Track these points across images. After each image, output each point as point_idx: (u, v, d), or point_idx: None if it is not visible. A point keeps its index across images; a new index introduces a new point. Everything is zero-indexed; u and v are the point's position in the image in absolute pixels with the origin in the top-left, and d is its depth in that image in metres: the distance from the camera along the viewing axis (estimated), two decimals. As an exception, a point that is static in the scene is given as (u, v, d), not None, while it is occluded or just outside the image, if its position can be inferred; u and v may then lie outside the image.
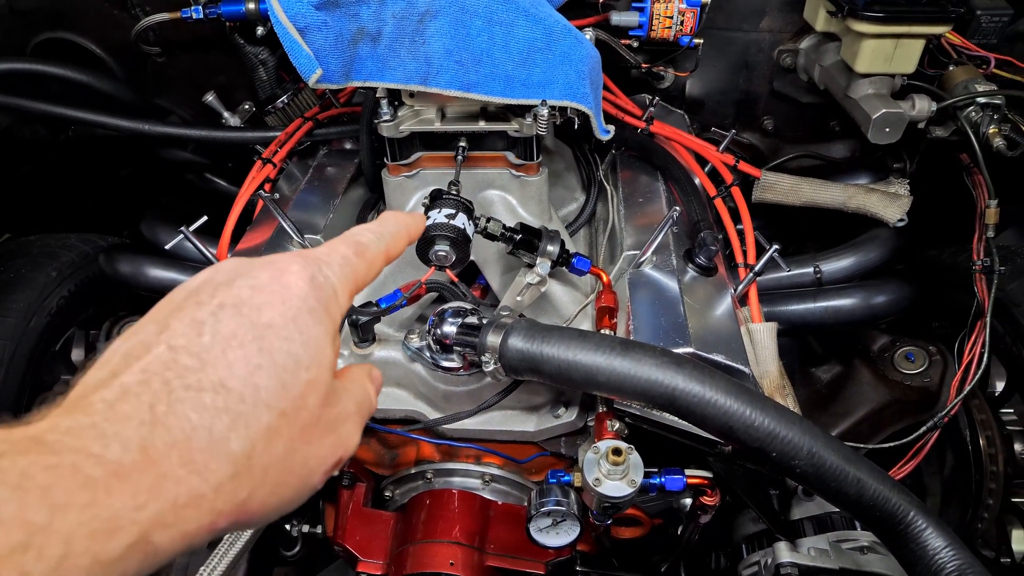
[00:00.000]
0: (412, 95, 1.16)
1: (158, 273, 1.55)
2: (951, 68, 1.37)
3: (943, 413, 1.35)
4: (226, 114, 1.71)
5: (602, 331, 1.07)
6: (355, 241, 0.53)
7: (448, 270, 1.03)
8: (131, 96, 1.68)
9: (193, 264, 1.59)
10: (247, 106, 1.76)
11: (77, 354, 1.79)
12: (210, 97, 1.71)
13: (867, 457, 1.43)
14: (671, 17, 1.39)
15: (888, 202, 1.42)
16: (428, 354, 1.09)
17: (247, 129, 1.59)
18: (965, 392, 1.34)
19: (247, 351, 0.40)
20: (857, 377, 1.55)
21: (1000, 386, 1.67)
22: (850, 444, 1.42)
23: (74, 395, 0.37)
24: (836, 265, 1.45)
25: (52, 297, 1.65)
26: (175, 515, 0.35)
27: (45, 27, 1.68)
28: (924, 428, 1.35)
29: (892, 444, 1.37)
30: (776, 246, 1.15)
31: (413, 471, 1.18)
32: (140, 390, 0.36)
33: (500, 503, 1.15)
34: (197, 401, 0.37)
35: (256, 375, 0.40)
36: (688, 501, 1.02)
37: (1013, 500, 1.57)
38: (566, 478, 0.95)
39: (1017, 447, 1.58)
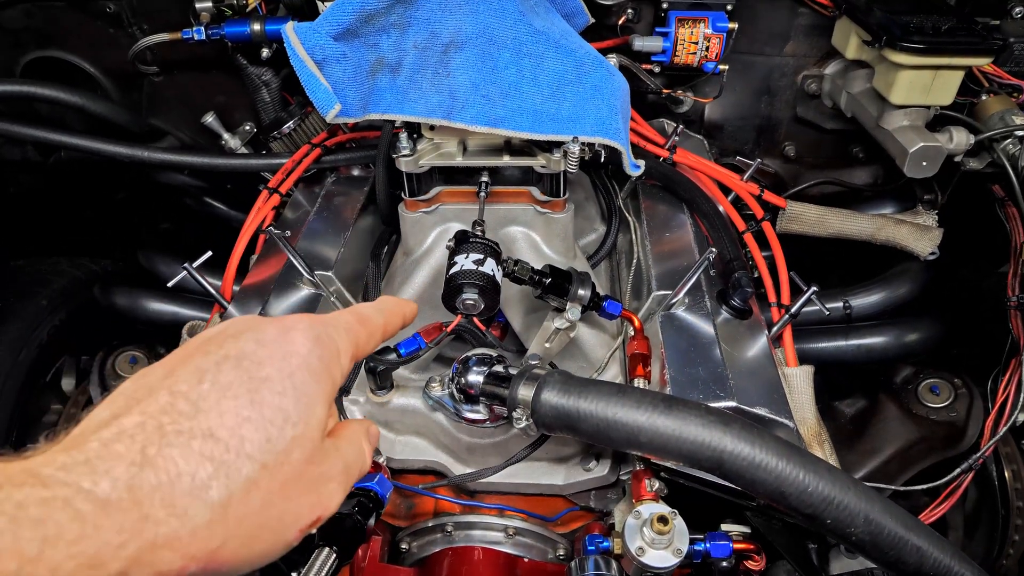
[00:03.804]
0: (432, 128, 1.10)
1: (156, 306, 1.48)
2: (984, 98, 1.32)
3: (977, 456, 1.30)
4: (226, 135, 1.64)
5: (636, 380, 1.01)
6: (358, 312, 0.55)
7: (475, 318, 0.97)
8: (126, 117, 1.60)
9: (193, 296, 1.52)
10: (247, 127, 1.70)
11: (68, 383, 1.71)
12: (209, 118, 1.64)
13: (896, 497, 1.39)
14: (696, 43, 1.34)
15: (919, 235, 1.38)
16: (451, 404, 1.03)
17: (252, 156, 1.52)
18: (1000, 434, 1.29)
19: (239, 402, 0.42)
20: (883, 412, 1.51)
21: (1023, 417, 1.64)
22: (878, 485, 1.38)
23: (76, 432, 0.39)
24: (866, 300, 1.40)
25: (42, 328, 1.57)
26: (152, 555, 0.36)
27: (35, 46, 1.60)
28: (958, 471, 1.31)
29: (925, 487, 1.32)
30: (814, 287, 1.10)
31: (431, 524, 1.12)
32: (135, 431, 0.38)
33: (527, 560, 1.09)
34: (186, 447, 0.39)
35: (244, 427, 0.41)
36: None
37: (1038, 535, 1.53)
38: (605, 544, 0.89)
39: (1043, 479, 1.55)
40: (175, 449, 0.38)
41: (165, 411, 0.40)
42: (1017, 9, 1.33)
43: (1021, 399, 1.30)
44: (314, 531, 0.47)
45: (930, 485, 1.33)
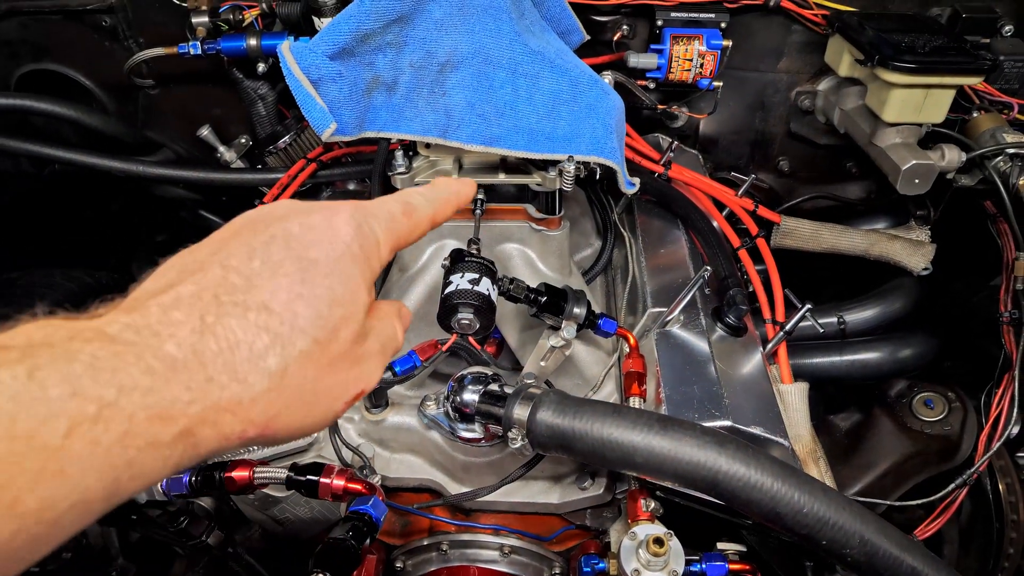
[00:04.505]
0: (428, 146, 1.10)
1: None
2: (975, 115, 1.33)
3: (972, 471, 1.31)
4: (221, 148, 1.64)
5: (631, 399, 1.01)
6: (405, 201, 0.55)
7: (470, 337, 0.97)
8: (122, 130, 1.60)
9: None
10: (243, 140, 1.69)
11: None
12: (205, 131, 1.63)
13: (891, 512, 1.39)
14: (690, 60, 1.35)
15: (912, 250, 1.38)
16: (446, 422, 1.03)
17: (247, 171, 1.52)
18: (994, 449, 1.30)
19: (291, 280, 0.43)
20: (878, 426, 1.51)
21: (1016, 430, 1.64)
22: (874, 500, 1.38)
23: (130, 300, 0.39)
24: (860, 316, 1.41)
25: (35, 342, 1.56)
26: (216, 416, 0.38)
27: (31, 58, 1.60)
28: (953, 486, 1.31)
29: (920, 502, 1.32)
30: (809, 305, 1.11)
31: (427, 542, 1.11)
32: (193, 301, 0.39)
33: (522, 579, 1.08)
34: (243, 318, 0.40)
35: (296, 303, 0.42)
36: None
37: (1031, 547, 1.53)
38: (600, 565, 0.89)
39: (1035, 493, 1.55)
40: (233, 319, 0.39)
41: (219, 283, 0.40)
42: (1007, 28, 1.34)
43: (1015, 413, 1.31)
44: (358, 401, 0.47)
45: (925, 500, 1.33)
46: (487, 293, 0.93)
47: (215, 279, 0.41)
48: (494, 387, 0.97)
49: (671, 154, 1.39)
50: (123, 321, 0.37)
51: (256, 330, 0.40)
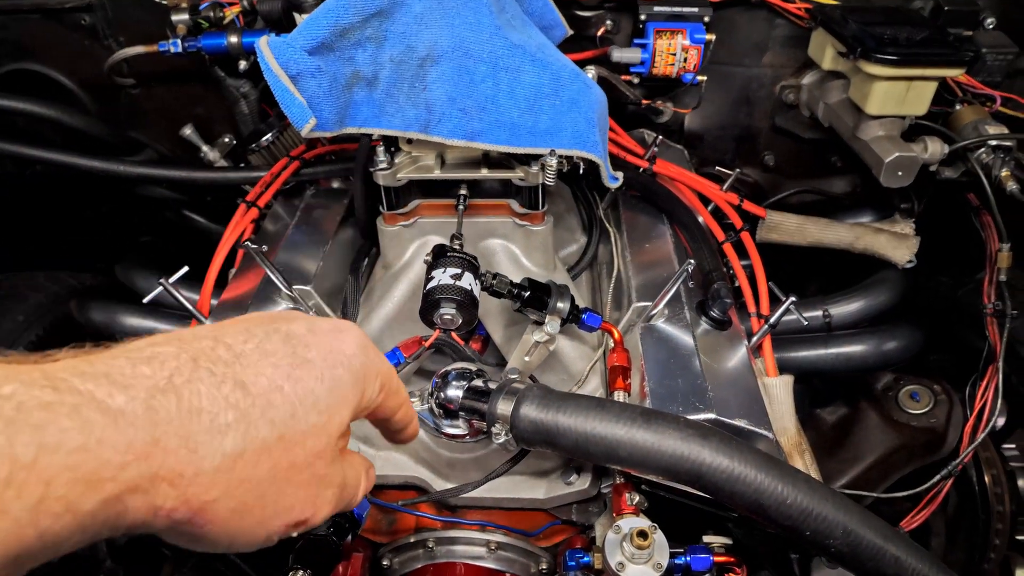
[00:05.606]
0: (410, 141, 1.09)
1: (133, 322, 1.46)
2: (958, 107, 1.34)
3: (956, 462, 1.32)
4: (204, 148, 1.63)
5: (616, 393, 1.01)
6: (395, 375, 0.54)
7: (453, 333, 0.96)
8: (103, 130, 1.59)
9: (171, 312, 1.50)
10: (227, 139, 1.68)
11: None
12: (188, 131, 1.62)
13: (878, 505, 1.40)
14: (674, 54, 1.35)
15: (897, 243, 1.39)
16: (431, 419, 1.02)
17: (230, 169, 1.51)
18: (979, 440, 1.30)
19: (278, 371, 0.42)
20: (864, 420, 1.51)
21: (1001, 421, 1.65)
22: (860, 493, 1.38)
23: (111, 351, 0.38)
24: (845, 309, 1.41)
25: (18, 344, 1.54)
26: (152, 485, 0.35)
27: (10, 58, 1.58)
28: (938, 477, 1.32)
29: (906, 493, 1.33)
30: (793, 298, 1.11)
31: (413, 540, 1.10)
32: (167, 359, 0.37)
33: (509, 575, 1.08)
34: (215, 388, 0.38)
35: (274, 394, 0.41)
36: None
37: (1017, 538, 1.54)
38: (585, 559, 0.88)
39: (1021, 483, 1.56)
40: (203, 385, 0.37)
41: (204, 352, 0.39)
42: (989, 20, 1.35)
43: (999, 404, 1.31)
44: (294, 534, 0.45)
45: (911, 492, 1.34)
46: (469, 288, 0.92)
47: (202, 347, 0.39)
48: (478, 383, 0.97)
49: (656, 149, 1.39)
50: (79, 368, 0.34)
51: (225, 404, 0.38)
